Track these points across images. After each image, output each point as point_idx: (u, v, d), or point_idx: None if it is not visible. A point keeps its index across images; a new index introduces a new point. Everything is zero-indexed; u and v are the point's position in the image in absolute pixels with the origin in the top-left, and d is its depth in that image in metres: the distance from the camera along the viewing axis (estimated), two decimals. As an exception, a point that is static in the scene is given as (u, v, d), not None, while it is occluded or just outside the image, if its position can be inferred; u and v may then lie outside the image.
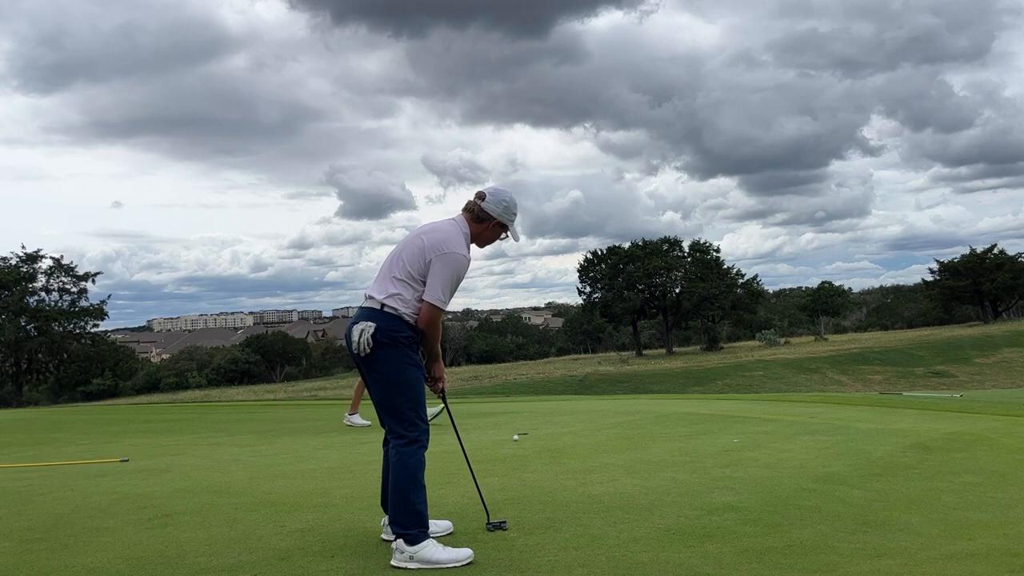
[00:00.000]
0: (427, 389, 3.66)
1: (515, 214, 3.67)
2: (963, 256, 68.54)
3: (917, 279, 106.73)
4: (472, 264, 3.58)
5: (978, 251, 68.21)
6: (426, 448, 3.47)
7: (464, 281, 3.60)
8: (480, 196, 3.63)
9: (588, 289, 62.52)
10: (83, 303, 45.74)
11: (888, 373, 39.68)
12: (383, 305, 3.44)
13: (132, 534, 3.88)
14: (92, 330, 47.21)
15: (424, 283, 3.44)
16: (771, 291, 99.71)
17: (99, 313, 46.39)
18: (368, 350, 3.40)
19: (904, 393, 16.77)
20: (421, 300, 3.44)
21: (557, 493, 4.54)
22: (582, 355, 70.43)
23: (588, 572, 3.10)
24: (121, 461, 6.74)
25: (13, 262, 44.02)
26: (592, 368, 45.09)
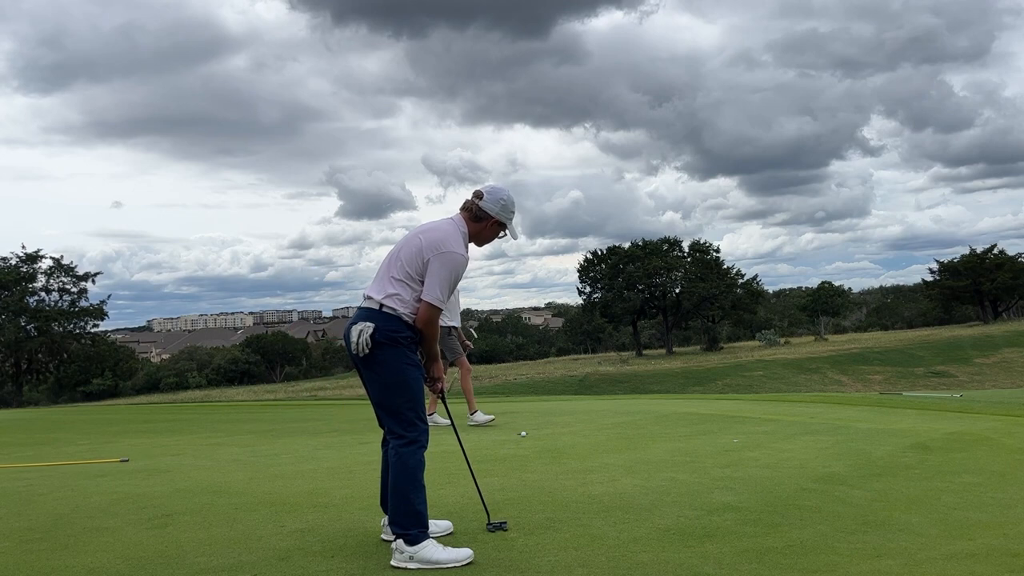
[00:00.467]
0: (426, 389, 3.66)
1: (513, 212, 3.66)
2: (963, 256, 68.59)
3: (917, 279, 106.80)
4: (472, 264, 3.58)
5: (978, 251, 68.27)
6: (425, 448, 3.46)
7: (464, 281, 3.60)
8: (478, 195, 3.62)
9: (588, 289, 62.57)
10: (83, 303, 45.80)
11: (888, 373, 39.69)
12: (381, 305, 3.44)
13: (132, 534, 3.88)
14: (92, 330, 47.30)
15: (423, 283, 3.44)
16: (771, 291, 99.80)
17: (99, 313, 46.45)
18: (367, 350, 3.39)
19: (904, 393, 16.77)
20: (420, 300, 3.44)
21: (557, 493, 4.54)
22: (582, 355, 70.44)
23: (588, 572, 3.10)
24: (121, 461, 6.74)
25: (13, 262, 44.10)
26: (592, 368, 45.09)
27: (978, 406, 9.27)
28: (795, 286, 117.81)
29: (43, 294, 44.99)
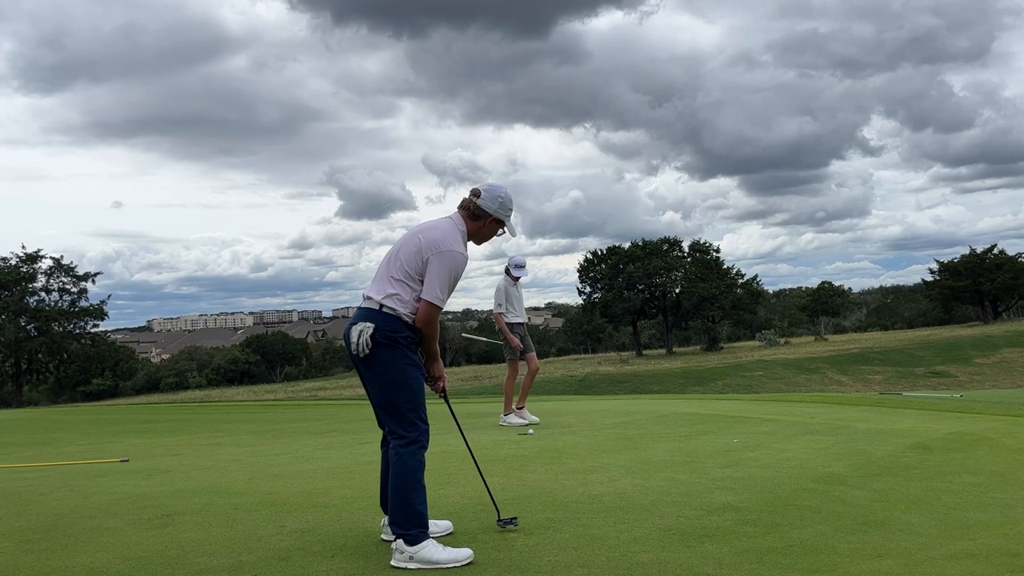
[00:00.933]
0: (428, 389, 3.65)
1: (511, 209, 3.66)
2: (963, 256, 68.61)
3: (917, 279, 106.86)
4: (472, 264, 3.59)
5: (978, 251, 68.30)
6: (426, 448, 3.46)
7: (464, 281, 3.60)
8: (475, 193, 3.62)
9: (588, 289, 62.57)
10: (83, 303, 45.80)
11: (888, 373, 39.67)
12: (381, 305, 3.43)
13: (132, 534, 3.88)
14: (92, 330, 47.29)
15: (422, 282, 3.43)
16: (771, 291, 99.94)
17: (99, 313, 46.44)
18: (367, 351, 3.39)
19: (904, 393, 16.76)
20: (419, 299, 3.44)
21: (557, 493, 4.54)
22: (582, 355, 70.45)
23: (588, 572, 3.10)
24: (121, 461, 6.74)
25: (13, 262, 44.11)
26: (592, 368, 45.08)
27: (978, 406, 9.27)
28: (795, 286, 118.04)
29: (43, 294, 45.03)
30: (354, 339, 3.41)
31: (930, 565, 3.10)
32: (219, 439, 8.69)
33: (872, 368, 41.00)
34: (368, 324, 3.41)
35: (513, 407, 8.48)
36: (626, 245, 61.54)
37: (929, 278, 72.19)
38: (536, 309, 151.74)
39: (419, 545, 3.27)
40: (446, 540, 3.50)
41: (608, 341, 78.86)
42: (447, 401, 3.90)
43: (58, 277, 45.22)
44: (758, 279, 67.02)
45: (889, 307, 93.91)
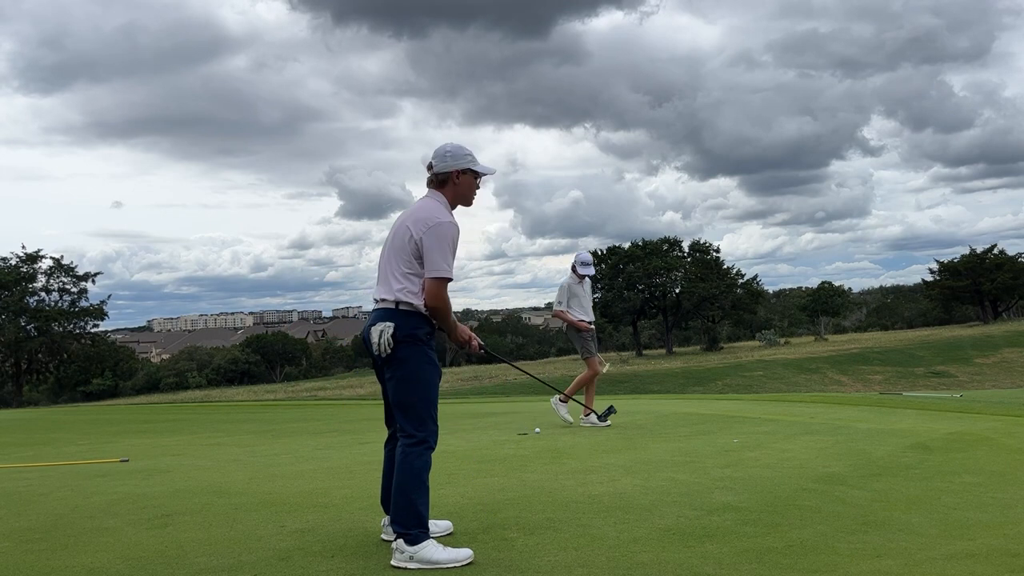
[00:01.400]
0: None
1: (467, 154, 3.62)
2: (963, 256, 68.57)
3: (917, 279, 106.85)
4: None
5: (978, 251, 68.25)
6: (433, 449, 3.46)
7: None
8: (429, 166, 3.64)
9: (588, 289, 62.45)
10: (83, 303, 45.79)
11: (888, 373, 39.66)
12: (398, 303, 3.44)
13: (132, 534, 3.88)
14: (92, 330, 47.29)
15: (423, 265, 3.44)
16: (771, 291, 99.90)
17: (99, 313, 46.43)
18: (389, 350, 3.40)
19: (904, 393, 16.76)
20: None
21: (557, 493, 4.54)
22: (582, 355, 70.24)
23: (588, 572, 3.10)
24: (121, 461, 6.74)
25: (13, 262, 44.09)
26: (592, 368, 44.97)
27: (978, 406, 9.27)
28: (795, 286, 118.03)
29: (43, 294, 45.01)
30: (375, 339, 3.41)
31: (930, 565, 3.10)
32: (219, 439, 8.69)
33: (872, 368, 40.99)
34: (388, 324, 3.41)
35: (559, 398, 8.04)
36: (626, 245, 61.52)
37: (929, 278, 72.19)
38: (536, 309, 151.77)
39: (419, 545, 3.27)
40: (446, 540, 3.50)
41: (608, 341, 78.82)
42: (487, 351, 3.90)
43: (58, 277, 45.23)
44: (758, 279, 67.06)
45: (889, 307, 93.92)
